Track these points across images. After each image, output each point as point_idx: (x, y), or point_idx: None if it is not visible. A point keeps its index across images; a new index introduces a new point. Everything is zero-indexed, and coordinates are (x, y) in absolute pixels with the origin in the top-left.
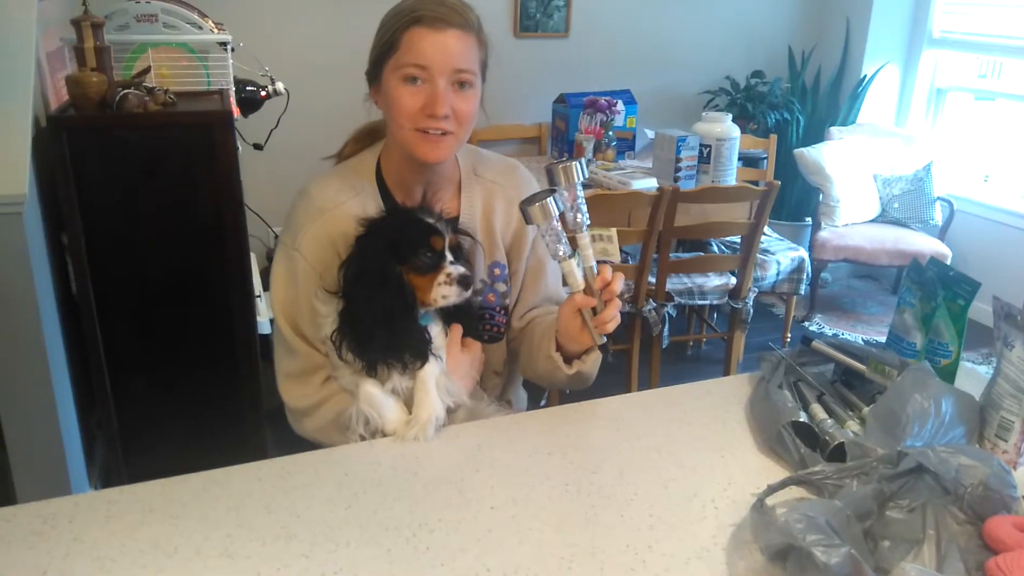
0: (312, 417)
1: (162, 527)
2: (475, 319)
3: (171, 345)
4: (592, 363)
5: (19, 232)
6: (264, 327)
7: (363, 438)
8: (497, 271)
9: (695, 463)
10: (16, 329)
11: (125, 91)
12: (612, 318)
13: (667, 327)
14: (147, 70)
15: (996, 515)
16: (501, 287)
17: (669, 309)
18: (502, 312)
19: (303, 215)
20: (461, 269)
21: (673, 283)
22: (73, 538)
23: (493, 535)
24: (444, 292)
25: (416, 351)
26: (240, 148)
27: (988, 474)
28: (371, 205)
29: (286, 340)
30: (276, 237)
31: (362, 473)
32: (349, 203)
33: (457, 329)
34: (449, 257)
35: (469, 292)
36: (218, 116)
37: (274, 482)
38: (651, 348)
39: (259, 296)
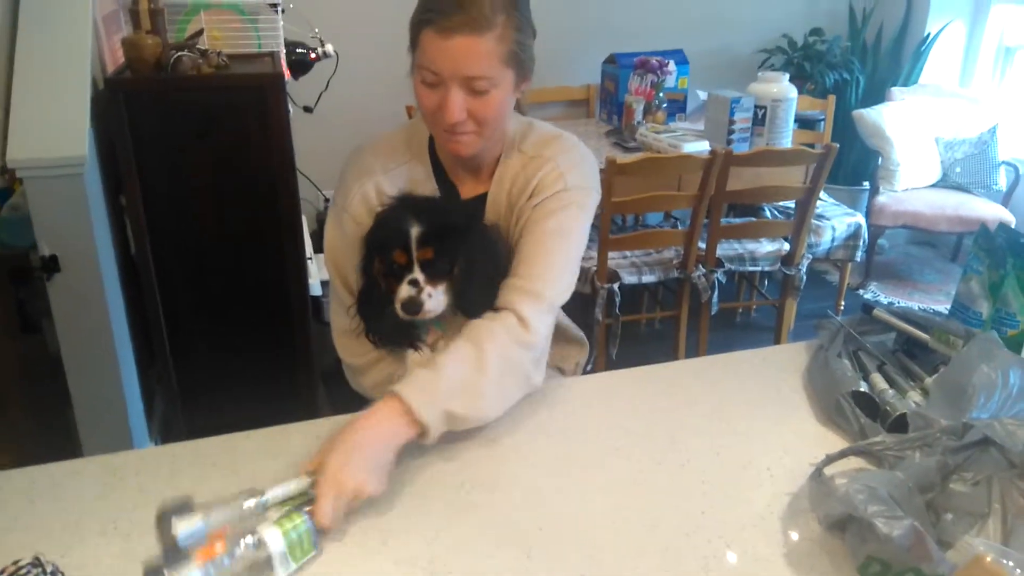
0: (367, 374)
1: (224, 481)
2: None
3: (226, 305)
4: None
5: (80, 193)
6: (315, 289)
7: None
8: None
9: (750, 430)
10: (78, 289)
11: (179, 54)
12: None
13: (716, 294)
14: (200, 32)
15: None
16: None
17: (719, 275)
18: None
19: (353, 176)
20: (410, 292)
21: (724, 249)
22: (140, 491)
23: (544, 495)
24: (397, 307)
25: (396, 341)
26: (291, 111)
27: None
28: (420, 171)
29: (340, 298)
30: (326, 200)
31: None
32: (398, 169)
33: None
34: (414, 276)
35: (417, 316)
36: (269, 79)
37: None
38: (700, 315)
39: (310, 258)
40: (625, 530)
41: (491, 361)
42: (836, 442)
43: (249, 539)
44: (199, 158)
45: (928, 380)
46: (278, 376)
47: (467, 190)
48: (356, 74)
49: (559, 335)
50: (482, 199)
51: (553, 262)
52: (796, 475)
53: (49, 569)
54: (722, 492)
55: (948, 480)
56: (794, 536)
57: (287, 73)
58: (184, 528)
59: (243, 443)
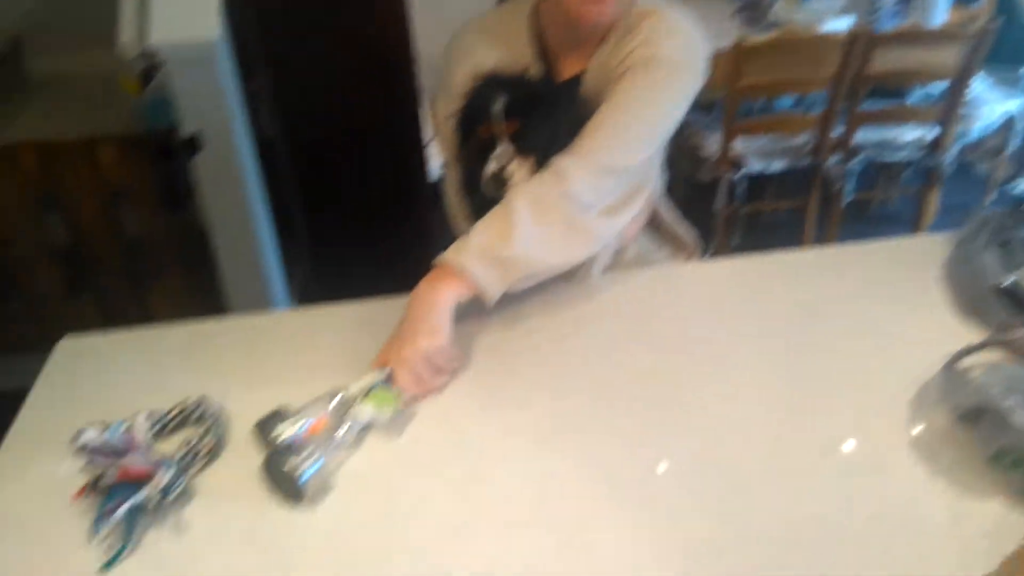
0: None
1: (361, 341)
2: None
3: (355, 184)
4: None
5: (215, 74)
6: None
7: None
8: None
9: (883, 320)
10: (219, 166)
11: None
12: None
13: (851, 183)
14: None
15: None
16: None
17: (855, 164)
18: None
19: (455, 57)
20: (495, 168)
21: (862, 135)
22: (285, 347)
23: (662, 376)
24: (484, 183)
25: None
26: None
27: None
28: (521, 49)
29: (448, 167)
30: None
31: (532, 308)
32: (499, 47)
33: None
34: (500, 151)
35: (501, 192)
36: None
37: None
38: (830, 206)
39: (431, 141)
40: (745, 412)
41: (518, 206)
42: (973, 336)
43: (342, 428)
44: (323, 42)
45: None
46: (405, 253)
47: (568, 68)
48: None
49: (661, 232)
50: (580, 78)
51: (611, 125)
52: (928, 366)
53: (213, 408)
54: (849, 379)
55: None
56: (921, 426)
57: None
58: (284, 433)
59: (378, 307)
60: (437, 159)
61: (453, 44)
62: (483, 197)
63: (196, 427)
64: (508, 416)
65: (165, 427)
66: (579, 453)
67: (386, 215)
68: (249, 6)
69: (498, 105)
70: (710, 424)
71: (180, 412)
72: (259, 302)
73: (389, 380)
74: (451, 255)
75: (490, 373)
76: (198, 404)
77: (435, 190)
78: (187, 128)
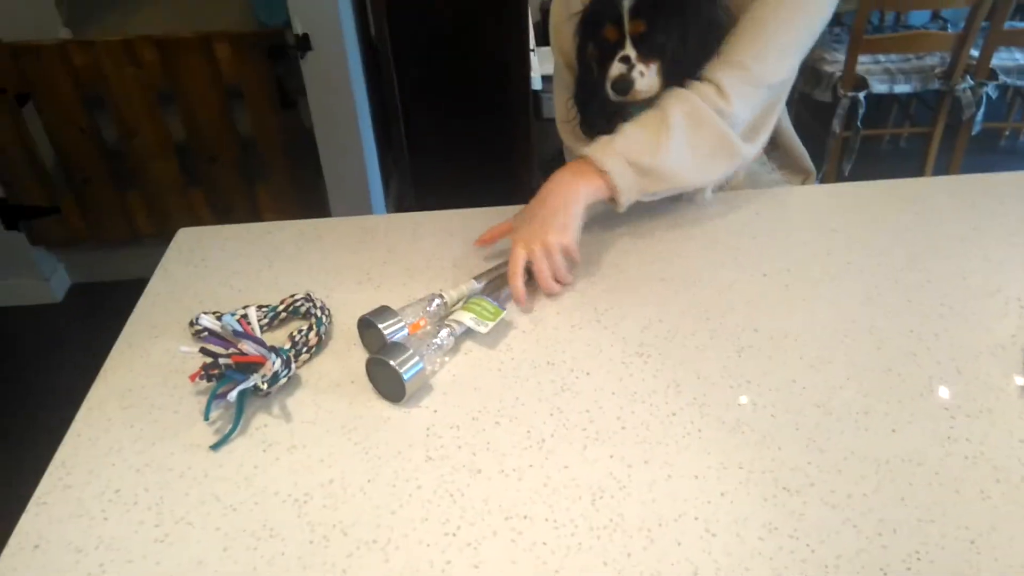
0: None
1: (460, 249)
2: None
3: (455, 94)
4: None
5: None
6: (536, 83)
7: None
8: None
9: (1003, 258)
10: (328, 68)
11: None
12: None
13: (983, 111)
14: None
15: None
16: None
17: (989, 89)
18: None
19: None
20: (620, 70)
21: (1002, 58)
22: (388, 249)
23: (765, 300)
24: (608, 86)
25: (595, 130)
26: None
27: None
28: None
29: (565, 82)
30: None
31: (636, 225)
32: None
33: None
34: (626, 52)
35: (625, 96)
36: None
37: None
38: (956, 134)
39: (533, 51)
40: (845, 342)
41: (674, 117)
42: None
43: (443, 331)
44: None
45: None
46: (501, 165)
47: None
48: None
49: (778, 153)
50: None
51: (764, 35)
52: None
53: (319, 304)
54: (961, 317)
55: None
56: None
57: None
58: (388, 330)
59: (475, 217)
60: (539, 68)
61: None
62: (601, 104)
63: (303, 321)
64: (601, 334)
65: (275, 319)
66: (669, 375)
67: (485, 129)
68: None
69: (627, 3)
70: (807, 353)
71: (289, 306)
72: (358, 206)
73: (494, 293)
74: (597, 152)
75: (587, 290)
76: (306, 299)
77: (536, 101)
78: (298, 27)
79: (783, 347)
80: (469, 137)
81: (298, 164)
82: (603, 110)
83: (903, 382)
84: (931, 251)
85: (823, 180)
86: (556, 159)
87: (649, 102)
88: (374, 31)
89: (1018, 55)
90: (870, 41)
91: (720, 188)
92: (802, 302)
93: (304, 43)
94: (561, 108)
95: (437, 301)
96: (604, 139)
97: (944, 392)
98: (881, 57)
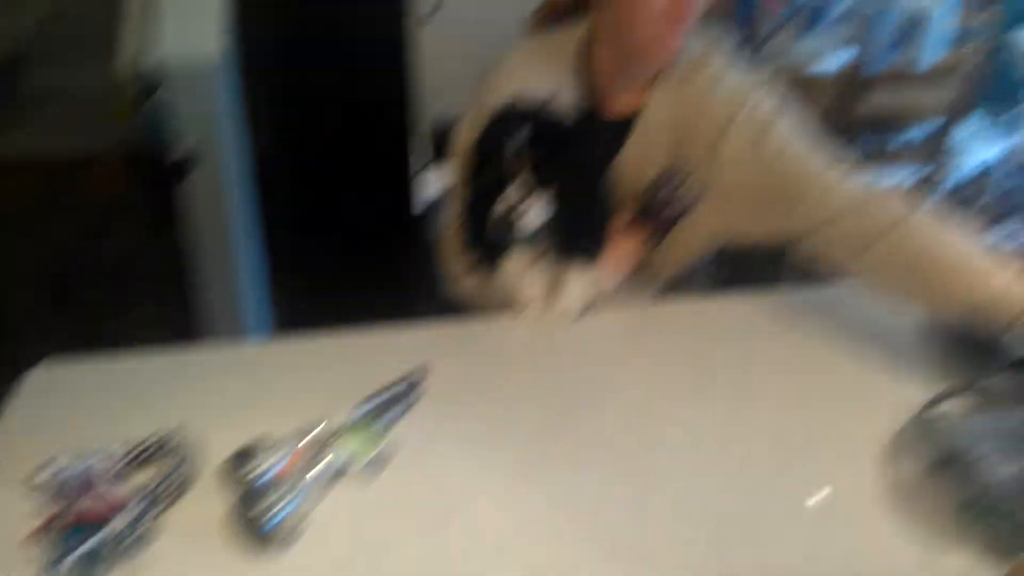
0: (470, 277)
1: (342, 374)
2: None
3: (343, 210)
4: None
5: (214, 93)
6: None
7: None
8: (673, 170)
9: (859, 365)
10: (210, 186)
11: None
12: None
13: None
14: None
15: None
16: (672, 186)
17: None
18: (668, 212)
19: (499, 77)
20: (512, 203)
21: None
22: (265, 378)
23: (642, 416)
24: (499, 219)
25: (488, 259)
26: (410, 18)
27: None
28: (564, 87)
29: (456, 195)
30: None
31: (518, 343)
32: (541, 79)
33: (623, 216)
34: (517, 186)
35: (518, 228)
36: None
37: (438, 344)
38: None
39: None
40: (720, 459)
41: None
42: (950, 381)
43: (318, 466)
44: (325, 60)
45: None
46: (391, 281)
47: (616, 108)
48: None
49: (648, 269)
50: (631, 119)
51: (817, 150)
52: (903, 412)
53: (184, 442)
54: (826, 423)
55: None
56: (895, 473)
57: None
58: (255, 471)
59: (358, 340)
60: (428, 188)
61: (501, 64)
62: (491, 229)
63: (166, 462)
64: (488, 455)
65: (134, 461)
66: (552, 500)
67: (373, 243)
68: (248, 19)
69: (519, 139)
70: (682, 473)
71: (150, 446)
72: (238, 331)
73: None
74: None
75: (476, 405)
76: (170, 436)
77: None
78: (182, 147)
79: (662, 465)
80: (356, 255)
81: (174, 288)
82: (491, 236)
83: (776, 495)
84: (792, 363)
85: (693, 292)
86: (445, 275)
87: (537, 232)
88: (262, 150)
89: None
90: None
91: (578, 318)
92: (677, 418)
93: (187, 163)
94: (450, 230)
95: (314, 432)
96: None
97: (818, 500)
98: None
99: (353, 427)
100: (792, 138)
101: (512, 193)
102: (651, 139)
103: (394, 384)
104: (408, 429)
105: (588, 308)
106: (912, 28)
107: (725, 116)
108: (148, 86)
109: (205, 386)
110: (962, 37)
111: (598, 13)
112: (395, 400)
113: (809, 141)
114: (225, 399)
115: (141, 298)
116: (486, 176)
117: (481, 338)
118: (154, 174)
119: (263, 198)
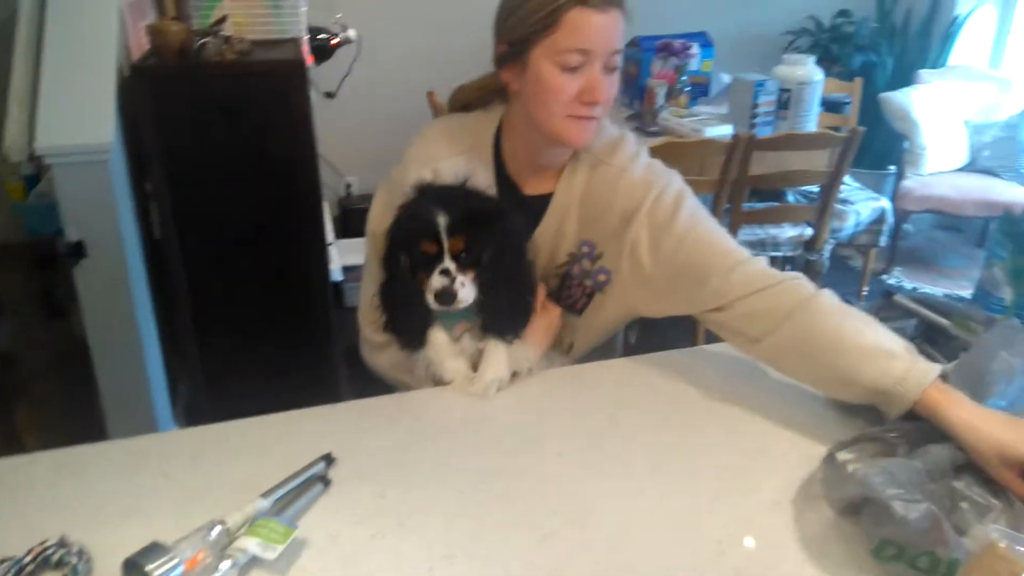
0: (385, 352)
1: (244, 465)
2: (560, 288)
3: (250, 290)
4: None
5: (106, 180)
6: (336, 274)
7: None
8: (586, 248)
9: (766, 416)
10: (105, 275)
11: (204, 40)
12: None
13: None
14: (224, 19)
15: None
16: (586, 264)
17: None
18: (582, 289)
19: (413, 156)
20: (443, 282)
21: (745, 234)
22: (163, 473)
23: (561, 481)
24: (429, 297)
25: (410, 337)
26: (313, 96)
27: None
28: (481, 163)
29: (372, 270)
30: (348, 186)
31: (433, 419)
32: (460, 157)
33: (542, 290)
34: (445, 265)
35: (451, 307)
36: (292, 65)
37: (349, 424)
38: None
39: (332, 244)
40: (640, 516)
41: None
42: (853, 429)
43: (224, 562)
44: (223, 144)
45: (948, 366)
46: (300, 361)
47: (530, 189)
48: (378, 59)
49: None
50: (545, 199)
51: (717, 236)
52: (810, 460)
53: (75, 550)
54: (738, 478)
55: (962, 469)
56: (807, 520)
57: (309, 59)
58: (158, 572)
59: (261, 427)
60: (339, 260)
61: (416, 143)
62: (416, 309)
63: (55, 572)
64: (404, 541)
65: (24, 569)
66: (467, 565)
67: (282, 323)
68: (146, 103)
69: (444, 219)
70: (605, 531)
71: (38, 555)
72: (142, 422)
73: (284, 510)
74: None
75: (387, 493)
76: (59, 545)
77: (337, 291)
78: (72, 235)
79: (582, 527)
80: (265, 334)
81: (68, 379)
82: (415, 315)
83: (693, 549)
84: (703, 416)
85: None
86: (356, 350)
87: (465, 310)
88: (158, 233)
89: (758, 230)
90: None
91: (505, 386)
92: (596, 479)
93: (78, 250)
94: (370, 295)
95: (218, 528)
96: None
97: (732, 554)
98: None
99: (259, 520)
100: (694, 224)
101: (436, 270)
102: (564, 218)
103: (302, 471)
104: (318, 518)
105: (510, 380)
106: (793, 97)
107: (632, 203)
108: (36, 172)
109: (96, 486)
110: (837, 104)
111: (511, 104)
112: (303, 488)
113: (710, 227)
114: (118, 499)
115: (33, 392)
116: (407, 254)
117: (394, 414)
118: (43, 262)
119: (165, 281)
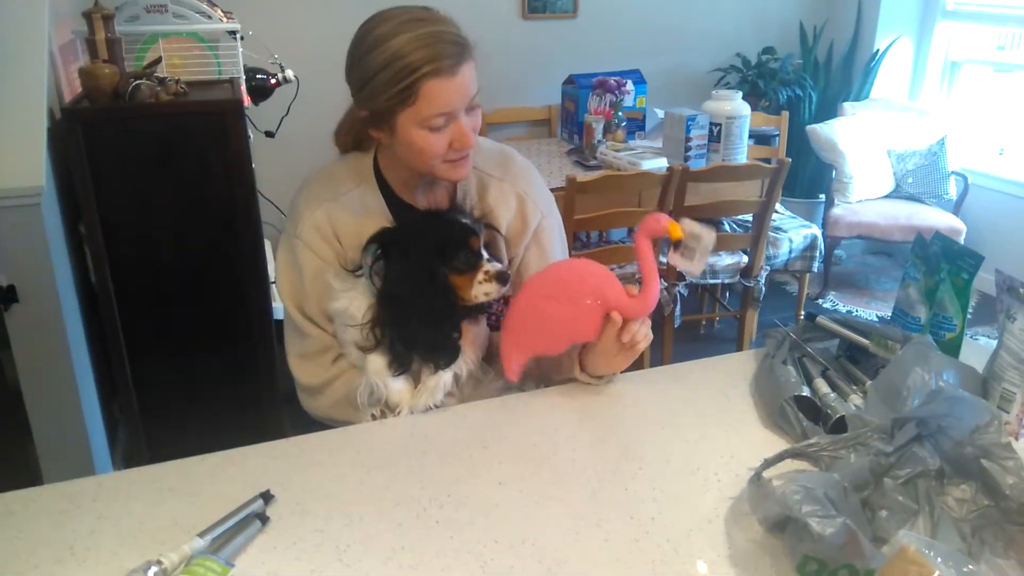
0: (324, 394)
1: (181, 504)
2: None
3: (189, 330)
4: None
5: (38, 223)
6: (278, 312)
7: (374, 417)
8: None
9: (699, 437)
10: (37, 319)
11: (137, 82)
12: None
13: (679, 306)
14: (158, 60)
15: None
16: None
17: (681, 288)
18: (501, 301)
19: (303, 204)
20: (498, 266)
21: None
22: (97, 516)
23: (501, 509)
24: (485, 289)
25: (449, 352)
26: (251, 136)
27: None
28: (371, 198)
29: (295, 323)
30: None
31: (374, 451)
32: (349, 194)
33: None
34: (485, 255)
35: (507, 287)
36: (229, 105)
37: (289, 460)
38: (663, 328)
39: (274, 282)
40: (578, 539)
41: None
42: (781, 446)
43: None
44: (159, 185)
45: (869, 383)
46: (242, 401)
47: (422, 204)
48: (317, 98)
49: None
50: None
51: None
52: (741, 479)
53: None
54: (671, 498)
55: (882, 479)
56: (737, 538)
57: (247, 99)
58: None
59: (199, 466)
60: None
61: (302, 192)
62: (455, 315)
63: None
64: (343, 575)
65: None
66: None
67: (223, 364)
68: (78, 146)
69: (368, 254)
70: (544, 556)
71: None
72: (79, 468)
73: (222, 549)
74: None
75: (326, 528)
76: None
77: (278, 331)
78: (2, 280)
79: (522, 555)
80: (207, 374)
81: (1, 425)
82: (447, 328)
83: (630, 569)
84: (639, 440)
85: None
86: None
87: (389, 332)
88: (94, 277)
89: None
90: (579, 256)
91: (448, 391)
92: (535, 505)
93: (9, 295)
94: (296, 344)
95: (154, 569)
96: None
97: (666, 573)
98: None
99: (196, 559)
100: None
101: (483, 261)
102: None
103: (240, 508)
104: (256, 555)
105: (443, 398)
106: (724, 130)
107: (517, 228)
108: None
109: (27, 532)
110: (766, 137)
111: (381, 150)
112: (241, 526)
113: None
114: (50, 544)
115: None
116: (445, 263)
117: (335, 448)
118: None
119: (102, 323)
